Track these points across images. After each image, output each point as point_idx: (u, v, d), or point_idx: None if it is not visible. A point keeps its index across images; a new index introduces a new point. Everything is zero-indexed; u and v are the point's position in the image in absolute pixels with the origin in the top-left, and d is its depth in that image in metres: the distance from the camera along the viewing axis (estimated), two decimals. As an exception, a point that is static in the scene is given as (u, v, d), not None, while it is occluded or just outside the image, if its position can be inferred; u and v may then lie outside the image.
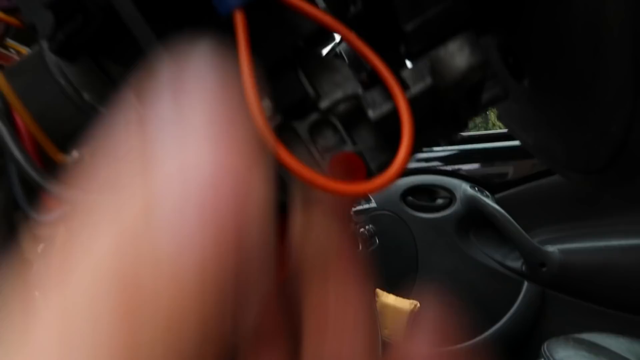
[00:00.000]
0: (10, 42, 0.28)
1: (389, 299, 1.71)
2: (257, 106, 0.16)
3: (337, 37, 0.25)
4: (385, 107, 0.20)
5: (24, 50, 0.28)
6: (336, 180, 0.17)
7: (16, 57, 0.29)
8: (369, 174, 0.25)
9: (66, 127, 0.24)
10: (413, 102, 0.19)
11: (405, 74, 0.23)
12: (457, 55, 0.19)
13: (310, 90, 0.23)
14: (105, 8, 0.18)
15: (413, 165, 1.70)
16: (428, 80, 0.20)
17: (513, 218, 1.55)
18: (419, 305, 1.69)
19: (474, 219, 1.63)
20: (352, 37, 0.19)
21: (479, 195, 1.59)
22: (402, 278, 1.72)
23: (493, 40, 0.27)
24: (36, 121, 0.21)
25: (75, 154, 0.19)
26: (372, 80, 0.23)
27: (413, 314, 1.67)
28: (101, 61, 0.24)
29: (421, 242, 1.67)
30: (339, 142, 0.24)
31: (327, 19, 0.19)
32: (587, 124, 0.20)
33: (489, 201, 1.59)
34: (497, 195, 1.64)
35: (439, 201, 1.66)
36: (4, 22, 0.25)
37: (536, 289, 1.56)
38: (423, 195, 1.69)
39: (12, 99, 0.20)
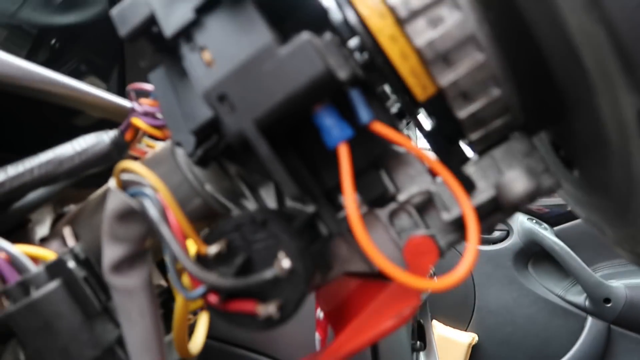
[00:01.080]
0: (145, 139, 0.35)
1: (445, 331, 1.71)
2: (357, 213, 0.22)
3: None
4: (455, 212, 0.25)
5: (155, 145, 0.35)
6: (406, 273, 0.22)
7: (148, 151, 0.36)
8: (441, 252, 0.29)
9: (187, 212, 0.31)
10: (478, 209, 0.24)
11: (470, 170, 0.28)
12: (515, 183, 0.24)
13: (390, 186, 0.28)
14: (237, 134, 0.24)
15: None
16: (491, 192, 0.25)
17: (574, 251, 1.52)
18: (477, 338, 1.68)
19: (532, 251, 1.61)
20: (426, 157, 0.24)
21: (537, 227, 1.57)
22: (459, 311, 1.71)
23: (546, 135, 0.31)
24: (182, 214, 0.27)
25: (213, 248, 0.25)
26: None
27: (470, 347, 1.66)
28: (220, 160, 0.31)
29: (478, 274, 1.66)
30: (413, 225, 0.29)
31: (409, 143, 0.24)
32: (627, 221, 0.24)
33: (548, 234, 1.57)
34: (556, 228, 1.62)
35: (496, 234, 1.66)
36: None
37: (601, 326, 1.52)
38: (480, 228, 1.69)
39: (163, 192, 0.26)
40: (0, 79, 0.30)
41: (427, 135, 0.27)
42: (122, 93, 0.67)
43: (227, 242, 0.25)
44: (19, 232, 0.34)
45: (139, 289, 0.28)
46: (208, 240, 0.25)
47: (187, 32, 0.23)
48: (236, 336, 0.54)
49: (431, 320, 1.73)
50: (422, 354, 0.98)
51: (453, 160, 0.29)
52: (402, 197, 0.28)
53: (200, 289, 0.25)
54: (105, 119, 0.40)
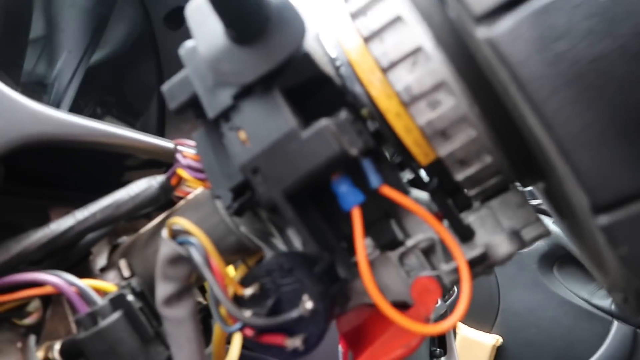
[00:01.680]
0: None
1: (469, 332, 1.73)
2: (367, 266, 0.26)
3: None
4: (452, 265, 0.30)
5: (196, 186, 0.40)
6: (404, 316, 0.26)
7: (191, 191, 0.41)
8: (444, 290, 0.33)
9: (223, 248, 0.36)
10: (471, 263, 0.28)
11: (470, 219, 0.32)
12: (499, 248, 0.28)
13: (399, 233, 0.32)
14: (268, 201, 0.29)
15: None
16: (482, 250, 0.29)
17: (600, 255, 1.52)
18: (501, 340, 1.69)
19: (557, 255, 1.62)
20: (427, 215, 0.28)
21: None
22: (483, 312, 1.73)
23: (542, 185, 0.35)
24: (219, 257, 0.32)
25: (249, 290, 0.30)
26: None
27: (495, 349, 1.68)
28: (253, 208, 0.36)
29: (503, 277, 1.67)
30: (420, 266, 0.33)
31: (411, 204, 0.28)
32: (605, 271, 0.27)
33: (574, 237, 1.57)
34: (583, 232, 1.62)
35: (521, 237, 1.66)
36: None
37: (627, 329, 1.52)
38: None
39: (206, 243, 0.31)
40: (69, 138, 0.36)
41: (430, 192, 0.31)
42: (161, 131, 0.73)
43: (260, 285, 0.30)
44: (82, 264, 0.40)
45: (186, 318, 0.33)
46: (244, 283, 0.30)
47: (226, 115, 0.28)
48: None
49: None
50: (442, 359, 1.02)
51: (457, 207, 0.33)
52: (410, 242, 0.33)
53: (237, 325, 0.30)
54: (151, 158, 0.45)
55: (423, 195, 0.33)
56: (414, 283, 0.33)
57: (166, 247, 0.31)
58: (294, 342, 0.29)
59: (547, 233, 0.31)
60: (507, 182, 0.31)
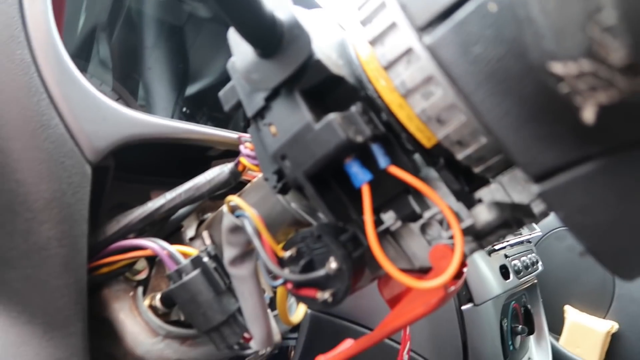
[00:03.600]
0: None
1: (580, 318, 1.64)
2: (374, 235, 0.32)
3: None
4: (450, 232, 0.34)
5: (257, 171, 0.47)
6: (411, 276, 0.31)
7: (255, 175, 0.49)
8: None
9: (277, 222, 0.43)
10: (465, 231, 0.32)
11: (482, 194, 0.36)
12: (480, 216, 0.31)
13: (417, 208, 0.37)
14: (294, 180, 0.35)
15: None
16: (471, 221, 0.33)
17: None
18: (617, 326, 1.58)
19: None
20: (432, 195, 0.33)
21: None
22: (596, 297, 1.63)
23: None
24: (268, 231, 0.40)
25: (287, 253, 0.37)
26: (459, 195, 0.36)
27: (610, 336, 1.57)
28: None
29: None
30: (439, 235, 0.38)
31: (416, 182, 0.33)
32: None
33: None
34: None
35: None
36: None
37: None
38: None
39: (254, 217, 0.39)
40: (159, 136, 0.46)
41: (438, 170, 0.36)
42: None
43: (297, 249, 0.37)
44: (176, 235, 0.50)
45: (248, 277, 0.42)
46: (285, 248, 0.38)
47: (261, 113, 0.35)
48: (337, 310, 0.67)
49: (564, 306, 1.68)
50: (531, 338, 1.01)
51: (470, 183, 0.37)
52: (427, 214, 0.37)
53: (280, 281, 0.37)
54: (228, 149, 0.54)
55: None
56: (432, 250, 0.37)
57: (226, 219, 0.40)
58: (324, 295, 0.36)
59: (546, 214, 0.34)
60: (508, 164, 0.34)
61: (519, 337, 0.89)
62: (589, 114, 0.17)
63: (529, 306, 0.96)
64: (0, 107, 0.37)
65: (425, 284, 0.32)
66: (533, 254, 1.00)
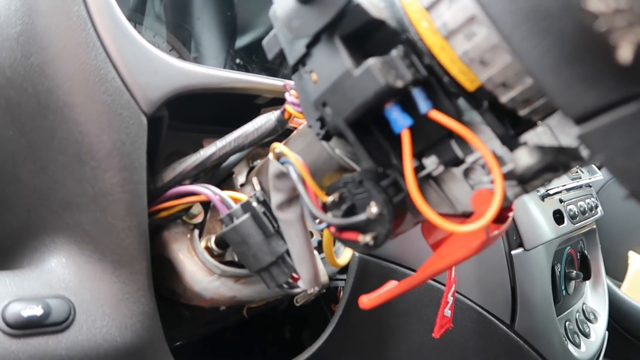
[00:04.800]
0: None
1: (645, 264, 1.58)
2: (413, 181, 0.32)
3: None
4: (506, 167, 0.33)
5: (302, 118, 0.48)
6: (450, 221, 0.32)
7: (301, 122, 0.50)
8: (506, 201, 0.37)
9: (323, 169, 0.45)
10: (506, 174, 0.32)
11: (527, 137, 0.35)
12: (519, 160, 0.31)
13: (459, 153, 0.37)
14: (334, 127, 0.36)
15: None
16: (511, 166, 0.32)
17: None
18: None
19: None
20: (473, 139, 0.33)
21: None
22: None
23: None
24: (311, 173, 0.41)
25: (330, 198, 0.38)
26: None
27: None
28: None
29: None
30: (481, 180, 0.37)
31: (458, 127, 0.33)
32: None
33: None
34: None
35: None
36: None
37: None
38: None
39: (298, 164, 0.40)
40: (211, 85, 0.48)
41: (482, 114, 0.35)
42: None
43: (339, 194, 0.38)
44: (228, 181, 0.53)
45: (295, 220, 0.44)
46: (327, 193, 0.39)
47: (302, 60, 0.36)
48: (385, 253, 0.68)
49: (628, 252, 1.62)
50: (587, 284, 0.99)
51: (516, 126, 0.36)
52: (470, 159, 0.37)
53: (323, 224, 0.39)
54: (276, 97, 0.56)
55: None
56: (474, 195, 0.37)
57: (272, 166, 0.41)
58: (365, 239, 0.37)
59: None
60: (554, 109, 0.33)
61: (573, 283, 0.88)
62: (626, 53, 0.16)
63: (585, 252, 0.94)
64: (62, 63, 0.40)
65: (463, 228, 0.32)
66: (592, 199, 0.96)
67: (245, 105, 0.56)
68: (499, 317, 0.74)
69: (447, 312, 0.56)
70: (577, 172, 0.98)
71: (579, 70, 0.21)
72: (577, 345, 0.84)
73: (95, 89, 0.40)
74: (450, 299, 0.56)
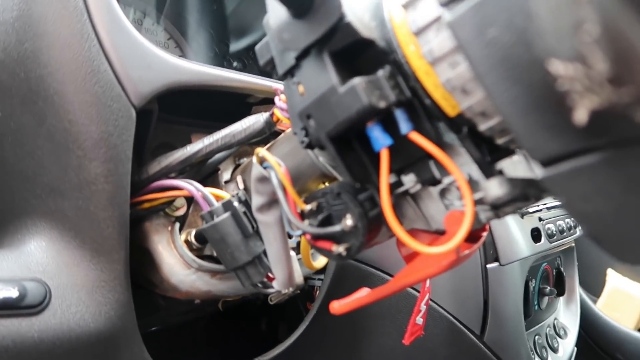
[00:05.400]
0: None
1: (621, 283, 1.60)
2: (387, 199, 0.33)
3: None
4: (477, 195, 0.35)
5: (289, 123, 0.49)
6: (423, 239, 0.33)
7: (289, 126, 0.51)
8: (477, 224, 0.39)
9: (306, 174, 0.45)
10: (478, 201, 0.33)
11: (503, 164, 0.36)
12: (489, 190, 0.32)
13: (437, 174, 0.38)
14: (317, 140, 0.37)
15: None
16: (481, 194, 0.33)
17: None
18: (660, 296, 1.54)
19: None
20: (448, 163, 0.34)
21: None
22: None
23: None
24: (292, 177, 0.42)
25: (308, 207, 0.39)
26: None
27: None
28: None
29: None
30: (456, 200, 0.39)
31: (435, 150, 0.34)
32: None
33: None
34: None
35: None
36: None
37: None
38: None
39: (278, 170, 0.41)
40: (203, 82, 0.48)
41: (461, 139, 0.36)
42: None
43: (318, 203, 0.39)
44: (213, 177, 0.54)
45: (273, 223, 0.44)
46: (306, 201, 0.40)
47: (291, 71, 0.37)
48: (364, 256, 0.70)
49: (607, 269, 1.65)
50: (561, 300, 1.01)
51: (493, 153, 0.37)
52: (446, 180, 0.38)
53: (299, 232, 0.40)
54: (267, 97, 0.56)
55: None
56: (447, 216, 0.38)
57: (255, 170, 0.42)
58: (339, 249, 0.38)
59: None
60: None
61: (546, 298, 0.90)
62: (581, 115, 0.17)
63: (562, 268, 0.96)
64: (56, 51, 0.40)
65: (431, 250, 0.33)
66: (571, 218, 0.98)
67: (237, 102, 0.57)
68: (469, 327, 0.75)
69: (419, 320, 0.58)
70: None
71: (544, 119, 0.22)
72: (543, 359, 0.86)
73: (86, 79, 0.41)
74: (423, 308, 0.58)
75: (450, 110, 0.34)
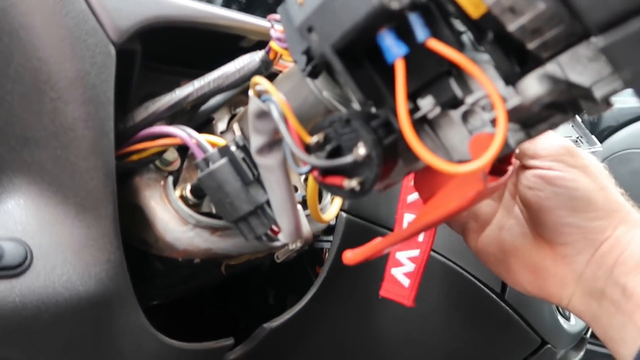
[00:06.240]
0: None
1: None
2: (406, 117, 0.29)
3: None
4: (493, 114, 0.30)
5: (287, 57, 0.44)
6: (447, 162, 0.28)
7: (288, 65, 0.46)
8: (506, 148, 0.34)
9: (310, 115, 0.41)
10: (511, 112, 0.29)
11: (535, 75, 0.31)
12: (526, 91, 0.27)
13: (458, 92, 0.33)
14: (321, 56, 0.32)
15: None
16: (516, 100, 0.29)
17: None
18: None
19: None
20: (477, 72, 0.29)
21: None
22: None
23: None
24: (296, 116, 0.37)
25: (314, 138, 0.35)
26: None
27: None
28: (331, 73, 0.39)
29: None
30: (481, 124, 0.34)
31: (459, 58, 0.29)
32: None
33: None
34: None
35: None
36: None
37: None
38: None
39: (280, 100, 0.36)
40: (189, 19, 0.43)
41: (485, 46, 0.31)
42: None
43: (324, 134, 0.35)
44: (207, 127, 0.49)
45: (275, 166, 0.40)
46: (311, 132, 0.35)
47: (287, -20, 0.32)
48: (374, 215, 0.65)
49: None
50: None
51: (522, 62, 0.32)
52: (469, 100, 0.33)
53: (306, 167, 0.35)
54: (262, 40, 0.51)
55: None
56: (472, 139, 0.34)
57: (252, 104, 0.38)
58: (351, 183, 0.34)
59: (621, 87, 0.29)
60: (575, 34, 0.29)
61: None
62: None
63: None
64: (17, -21, 0.35)
65: (459, 168, 0.29)
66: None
67: (229, 48, 0.52)
68: (489, 286, 0.71)
69: (403, 278, 0.52)
70: (576, 142, 0.95)
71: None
72: (567, 318, 0.83)
73: (55, 10, 0.36)
74: (408, 264, 0.52)
75: (474, 10, 0.29)
